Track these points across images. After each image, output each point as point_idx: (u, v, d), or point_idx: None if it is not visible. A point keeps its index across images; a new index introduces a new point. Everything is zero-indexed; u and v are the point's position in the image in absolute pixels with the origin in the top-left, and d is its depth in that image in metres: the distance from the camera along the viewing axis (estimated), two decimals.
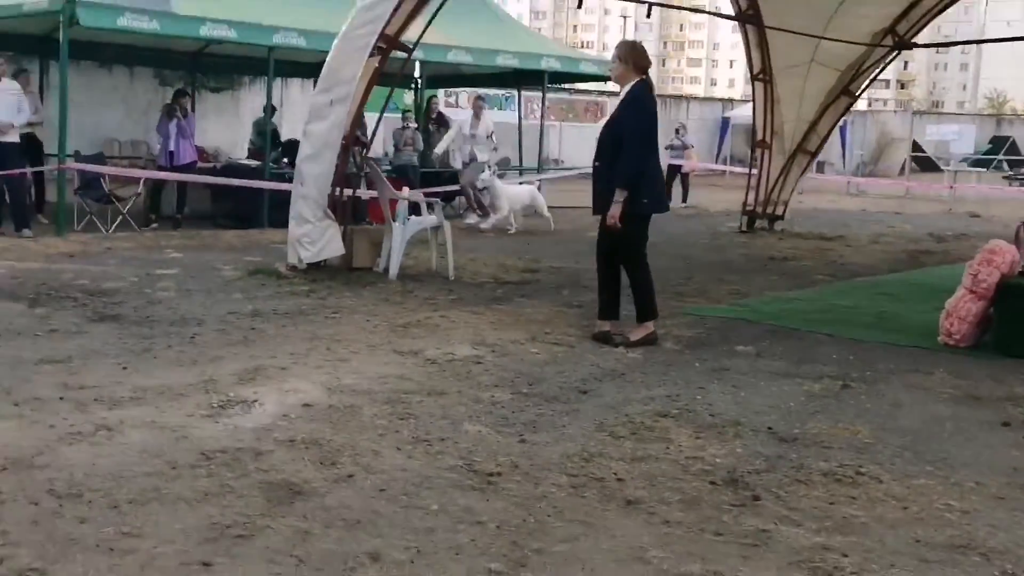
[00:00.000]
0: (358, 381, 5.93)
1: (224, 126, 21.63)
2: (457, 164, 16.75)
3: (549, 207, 18.31)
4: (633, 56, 6.97)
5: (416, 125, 16.62)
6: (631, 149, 6.79)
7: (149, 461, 4.48)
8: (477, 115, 16.24)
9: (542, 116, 19.42)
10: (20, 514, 3.84)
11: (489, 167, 14.91)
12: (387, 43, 9.38)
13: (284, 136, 16.86)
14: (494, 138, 16.32)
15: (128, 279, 9.15)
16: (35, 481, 4.18)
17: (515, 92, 27.41)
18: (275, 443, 4.79)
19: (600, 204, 6.93)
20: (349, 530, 3.84)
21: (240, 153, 18.73)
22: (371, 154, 12.32)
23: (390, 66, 11.17)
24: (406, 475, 4.46)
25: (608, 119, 6.93)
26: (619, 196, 6.74)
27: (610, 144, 6.80)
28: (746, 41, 14.76)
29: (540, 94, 26.01)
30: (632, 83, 6.91)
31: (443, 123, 17.58)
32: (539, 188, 16.83)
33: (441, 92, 21.50)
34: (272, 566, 3.51)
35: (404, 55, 10.03)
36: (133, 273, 9.47)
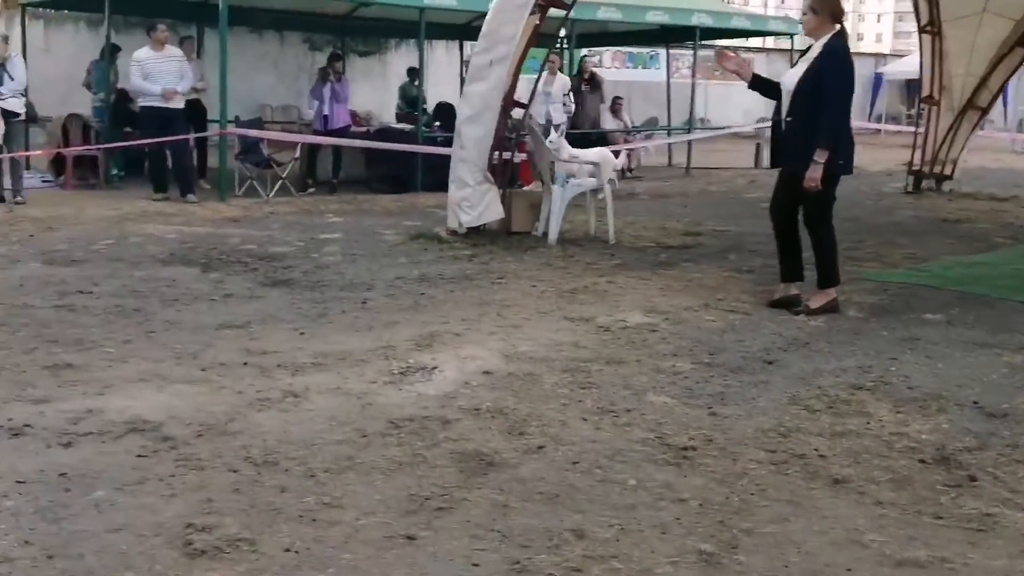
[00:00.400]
0: (534, 348, 5.83)
1: (372, 90, 21.87)
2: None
3: (699, 167, 17.97)
4: (829, 5, 6.61)
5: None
6: (835, 106, 6.47)
7: (339, 429, 4.47)
8: (552, 72, 15.05)
9: (693, 74, 18.89)
10: (222, 481, 3.86)
11: (556, 128, 13.39)
12: (544, 4, 9.19)
13: (429, 99, 16.84)
14: (571, 97, 15.49)
15: (294, 243, 9.26)
16: (231, 448, 4.21)
17: (660, 51, 27.11)
18: (460, 411, 4.73)
19: (793, 162, 6.57)
20: (548, 504, 3.74)
21: (389, 117, 18.88)
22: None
23: (545, 26, 11.04)
24: (596, 447, 4.33)
25: (802, 72, 6.55)
26: (820, 156, 6.40)
27: (806, 99, 6.46)
28: None
29: (686, 52, 25.77)
30: (829, 35, 6.56)
31: (596, 84, 17.26)
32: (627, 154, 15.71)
33: (582, 52, 21.21)
34: (475, 540, 3.44)
35: (562, 13, 9.79)
36: (297, 238, 9.58)
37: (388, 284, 7.60)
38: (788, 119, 6.58)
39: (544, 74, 14.20)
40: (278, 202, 12.42)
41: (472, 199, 9.31)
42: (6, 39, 12.22)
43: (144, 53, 12.38)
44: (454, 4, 13.87)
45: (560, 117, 14.46)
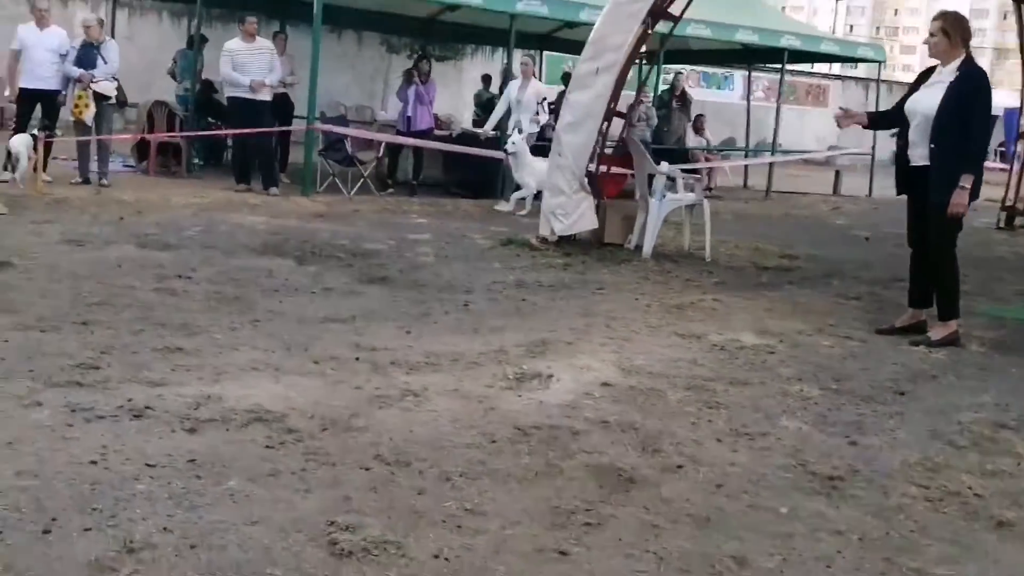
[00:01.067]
0: (649, 363, 5.63)
1: (447, 96, 21.79)
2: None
3: (777, 191, 17.66)
4: (960, 29, 6.35)
5: (649, 100, 16.17)
6: (981, 131, 6.25)
7: (465, 432, 4.30)
8: (526, 76, 13.53)
9: (779, 96, 18.63)
10: (356, 479, 3.70)
11: (520, 131, 12.37)
12: (655, 14, 9.01)
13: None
14: (545, 106, 13.87)
15: (385, 242, 9.13)
16: (359, 444, 4.05)
17: (734, 72, 26.85)
18: (587, 423, 4.54)
19: (938, 188, 6.28)
20: (700, 528, 3.54)
21: (465, 123, 18.79)
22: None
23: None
24: (738, 471, 4.12)
25: (939, 98, 6.28)
26: (966, 181, 6.16)
27: (948, 125, 6.20)
28: (1020, 22, 13.67)
29: (762, 74, 25.47)
30: (959, 59, 6.31)
31: (686, 102, 16.99)
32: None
33: (677, 69, 20.97)
34: (632, 561, 3.25)
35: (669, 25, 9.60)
36: (387, 236, 9.46)
37: (486, 288, 7.44)
38: (932, 146, 6.29)
39: (518, 80, 13.47)
40: (360, 200, 12.32)
41: (567, 207, 9.13)
42: (101, 22, 12.25)
43: (235, 44, 12.35)
44: (544, 11, 13.71)
45: (530, 127, 13.17)
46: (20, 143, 10.50)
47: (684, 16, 14.21)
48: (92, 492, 3.39)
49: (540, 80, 15.82)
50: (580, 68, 9.09)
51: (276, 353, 5.29)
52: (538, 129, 13.53)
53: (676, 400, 5.00)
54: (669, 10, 9.28)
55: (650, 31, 9.08)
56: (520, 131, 12.32)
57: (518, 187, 12.24)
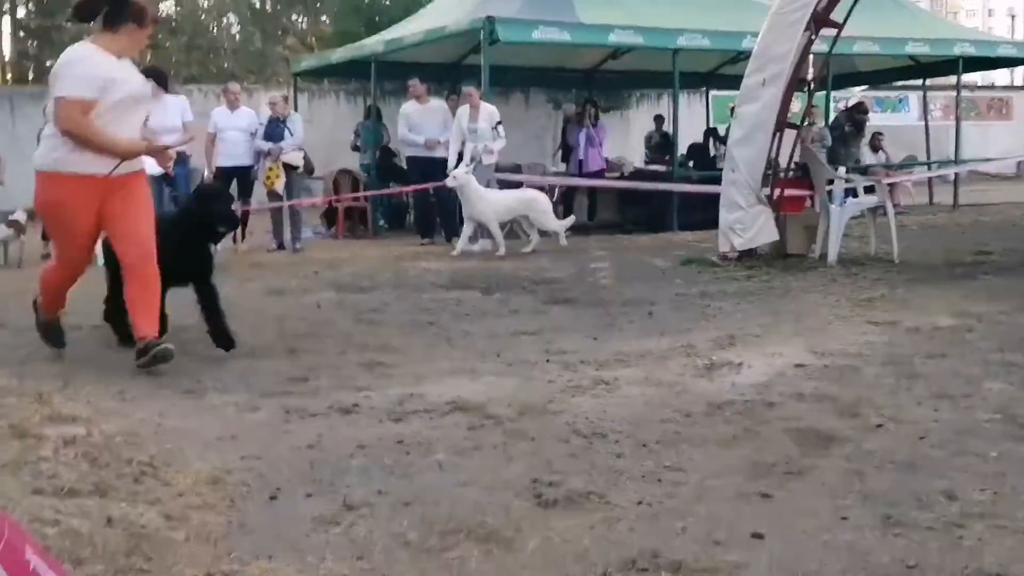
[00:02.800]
0: (843, 346, 5.56)
1: (614, 147, 22.00)
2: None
3: (965, 204, 16.98)
4: None
5: (823, 122, 15.92)
6: None
7: (658, 410, 4.35)
8: (474, 105, 11.95)
9: (957, 108, 17.93)
10: (556, 449, 3.81)
11: (468, 164, 11.35)
12: (817, 21, 8.96)
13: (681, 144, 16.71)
14: (500, 130, 12.04)
15: (566, 271, 9.29)
16: (556, 424, 4.16)
17: (909, 94, 26.10)
18: (782, 396, 4.52)
19: None
20: (906, 472, 3.49)
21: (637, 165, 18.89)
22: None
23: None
24: (940, 426, 4.04)
25: None
26: None
27: None
28: None
29: (939, 93, 24.65)
30: None
31: (860, 122, 16.57)
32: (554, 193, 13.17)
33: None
34: (837, 499, 3.23)
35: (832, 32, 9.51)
36: (568, 267, 9.62)
37: (670, 300, 7.48)
38: None
39: (465, 109, 12.03)
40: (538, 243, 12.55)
41: (744, 221, 9.10)
42: (285, 99, 13.02)
43: (410, 106, 12.89)
44: (707, 44, 13.75)
45: (488, 158, 11.88)
46: None
47: (849, 34, 14.11)
48: (311, 468, 3.61)
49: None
50: (747, 81, 9.09)
51: (471, 360, 5.48)
52: (495, 159, 12.15)
53: (872, 374, 4.93)
54: (831, 17, 9.18)
55: (814, 37, 9.01)
56: (473, 160, 11.45)
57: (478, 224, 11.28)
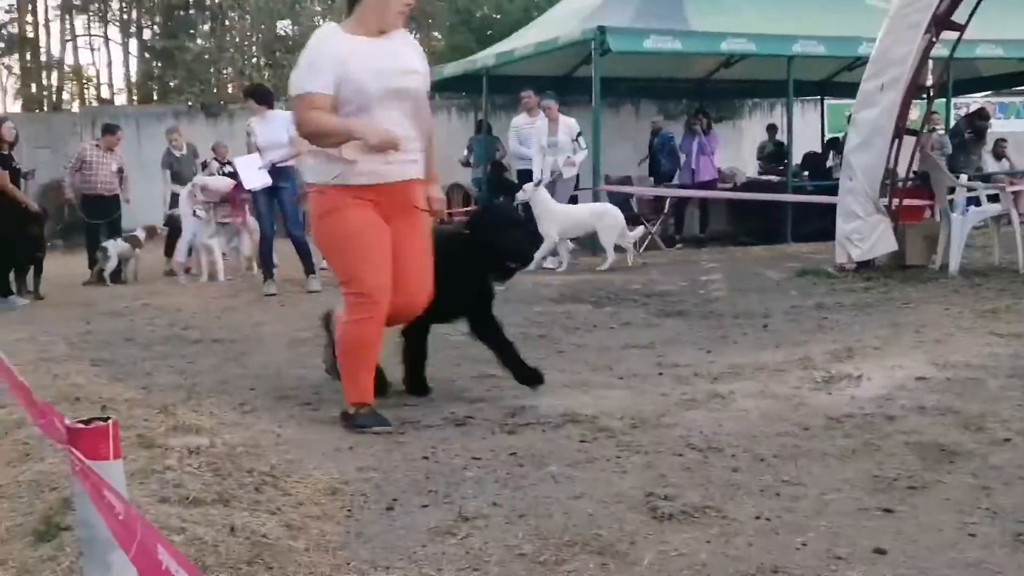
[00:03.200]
0: (965, 358, 5.39)
1: (728, 153, 21.75)
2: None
3: None
4: None
5: (941, 129, 15.47)
6: None
7: (775, 424, 4.28)
8: (553, 118, 11.79)
9: None
10: (670, 462, 3.78)
11: (539, 180, 11.07)
12: (938, 23, 8.72)
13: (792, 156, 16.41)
14: (581, 142, 11.84)
15: (677, 284, 9.22)
16: (670, 437, 4.13)
17: None
18: (903, 410, 4.41)
19: None
20: None
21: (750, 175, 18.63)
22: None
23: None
24: None
25: None
26: None
27: None
28: None
29: None
30: None
31: (982, 129, 16.05)
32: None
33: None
34: (962, 515, 3.14)
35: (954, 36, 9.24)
36: (679, 280, 9.54)
37: (785, 312, 7.36)
38: None
39: (542, 121, 11.89)
40: (648, 255, 12.47)
41: (863, 231, 8.89)
42: None
43: (521, 120, 12.96)
44: (822, 51, 13.50)
45: (569, 171, 11.83)
46: None
47: (971, 37, 13.69)
48: (426, 479, 3.65)
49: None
50: (865, 86, 8.89)
51: (582, 373, 5.48)
52: (575, 171, 12.07)
53: (997, 387, 4.77)
54: (953, 19, 8.92)
55: (935, 40, 8.77)
56: (553, 174, 11.38)
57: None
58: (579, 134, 11.81)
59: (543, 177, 11.21)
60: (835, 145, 17.22)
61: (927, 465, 3.64)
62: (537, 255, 10.60)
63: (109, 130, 12.06)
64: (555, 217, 10.71)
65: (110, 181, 11.65)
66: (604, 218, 10.87)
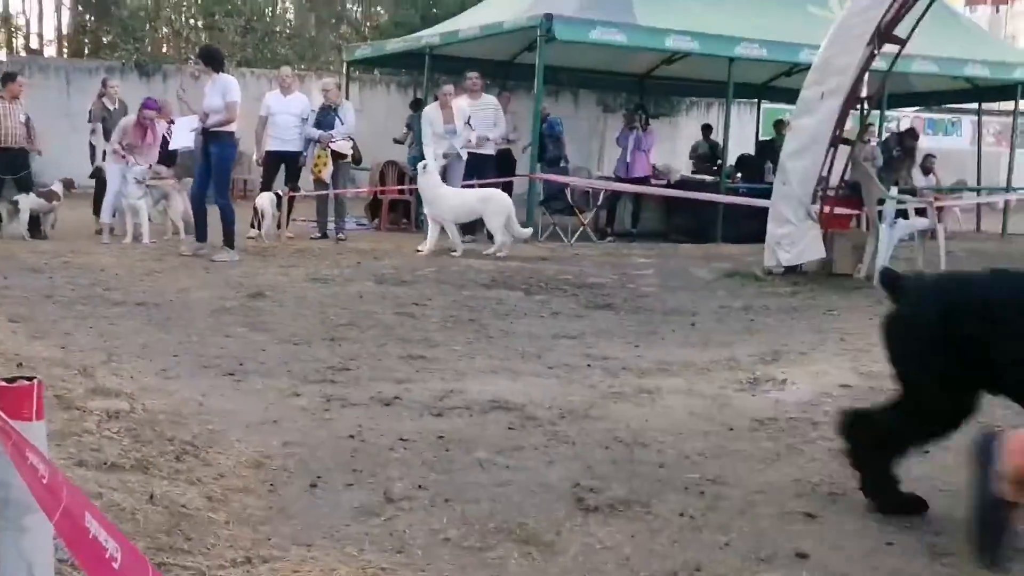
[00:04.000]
0: (888, 369, 5.46)
1: (661, 153, 21.89)
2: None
3: (1017, 233, 16.71)
4: None
5: (875, 141, 15.73)
6: None
7: (701, 423, 4.31)
8: (445, 105, 11.77)
9: (1013, 135, 17.75)
10: (597, 455, 3.79)
11: (428, 160, 10.94)
12: (881, 36, 8.84)
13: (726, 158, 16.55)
14: (471, 124, 11.88)
15: (608, 277, 9.25)
16: (597, 429, 4.14)
17: (962, 117, 25.82)
18: (827, 416, 4.44)
19: None
20: (954, 500, 3.41)
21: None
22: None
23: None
24: None
25: None
26: None
27: None
28: None
29: (992, 118, 24.35)
30: None
31: (910, 146, 16.31)
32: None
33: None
34: (881, 524, 3.19)
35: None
36: (610, 272, 9.57)
37: (713, 312, 7.43)
38: None
39: (435, 110, 11.78)
40: (581, 246, 12.49)
41: (793, 236, 9.00)
42: (339, 86, 13.05)
43: (462, 102, 12.86)
44: (763, 54, 13.62)
45: (488, 147, 12.24)
46: (265, 200, 11.28)
47: (908, 52, 13.94)
48: (352, 458, 3.61)
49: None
50: (805, 93, 8.98)
51: (511, 360, 5.46)
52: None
53: None
54: (895, 33, 9.05)
55: (877, 52, 8.90)
56: (446, 157, 11.27)
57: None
58: (468, 118, 11.74)
59: (431, 161, 11.05)
60: (769, 149, 17.43)
61: (849, 473, 3.68)
62: (430, 235, 10.66)
63: (9, 78, 11.54)
64: (444, 200, 10.59)
65: (16, 132, 11.18)
66: (490, 203, 10.72)
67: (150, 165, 10.95)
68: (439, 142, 11.59)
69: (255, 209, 11.51)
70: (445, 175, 11.15)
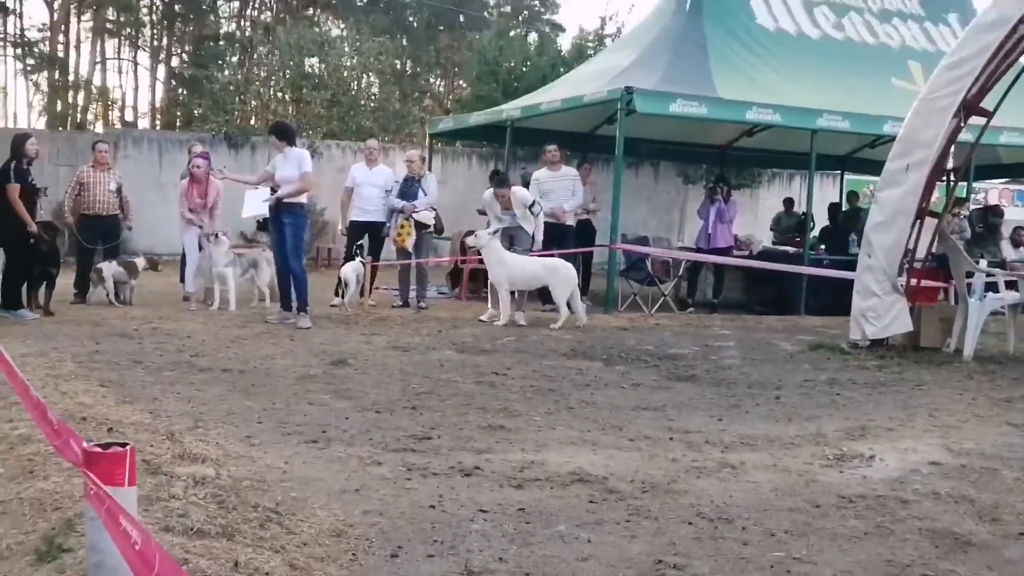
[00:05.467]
0: (980, 447, 5.33)
1: (745, 221, 21.79)
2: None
3: None
4: None
5: (966, 213, 15.46)
6: None
7: (787, 498, 4.23)
8: (503, 198, 11.30)
9: None
10: (680, 530, 3.72)
11: (495, 230, 10.84)
12: (967, 108, 8.74)
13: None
14: (534, 209, 11.41)
15: (689, 348, 9.17)
16: (679, 504, 4.08)
17: None
18: (916, 494, 4.35)
19: None
20: None
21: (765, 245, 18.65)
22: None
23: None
24: None
25: None
26: None
27: None
28: None
29: None
30: None
31: (992, 228, 15.95)
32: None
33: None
34: None
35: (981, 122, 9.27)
36: (691, 343, 9.50)
37: (797, 385, 7.31)
38: None
39: (491, 196, 11.45)
40: (660, 317, 12.43)
41: (878, 309, 8.85)
42: (423, 159, 13.26)
43: (542, 173, 12.98)
44: (846, 126, 13.53)
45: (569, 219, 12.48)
46: (350, 270, 11.46)
47: (996, 124, 13.74)
48: (432, 528, 3.61)
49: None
50: (890, 165, 8.89)
51: (592, 432, 5.43)
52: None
53: (1012, 478, 4.70)
54: (982, 105, 8.95)
55: (963, 125, 8.79)
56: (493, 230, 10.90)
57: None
58: (533, 202, 11.38)
59: (498, 227, 11.06)
60: (851, 219, 17.19)
61: (941, 553, 3.58)
62: (490, 302, 10.76)
63: (93, 147, 11.89)
64: (506, 268, 10.48)
65: (107, 201, 11.49)
66: (556, 274, 10.62)
67: (222, 232, 11.14)
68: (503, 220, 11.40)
69: (339, 278, 11.70)
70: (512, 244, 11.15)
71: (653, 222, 22.21)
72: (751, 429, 5.64)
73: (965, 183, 17.03)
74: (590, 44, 25.98)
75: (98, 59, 33.86)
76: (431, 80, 34.71)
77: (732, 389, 7.08)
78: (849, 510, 4.08)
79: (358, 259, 11.73)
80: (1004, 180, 24.39)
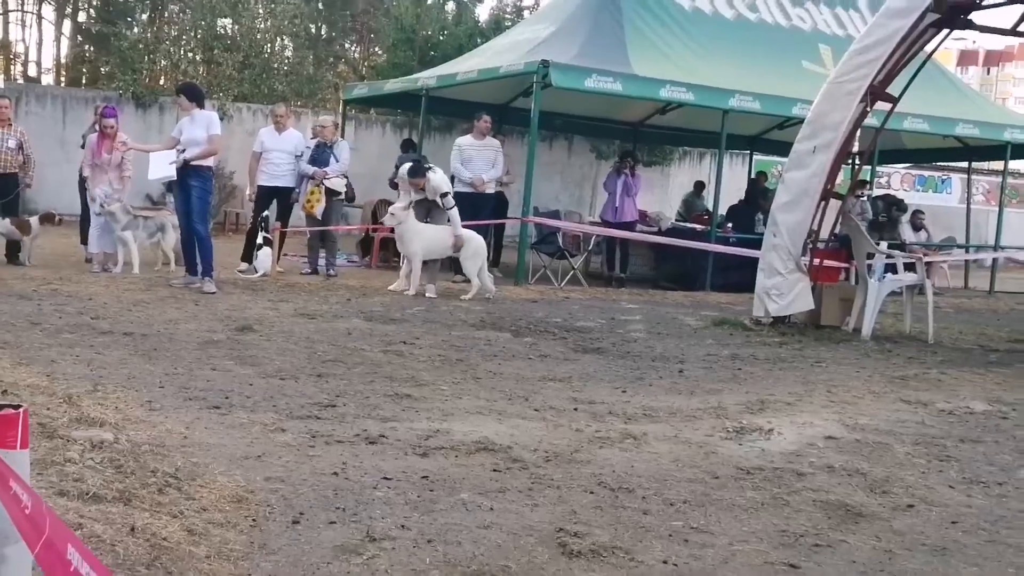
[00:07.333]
0: (874, 422, 5.49)
1: (652, 201, 22.01)
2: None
3: (1003, 292, 16.80)
4: None
5: (869, 193, 15.86)
6: None
7: (686, 470, 4.30)
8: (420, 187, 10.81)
9: (1002, 193, 17.93)
10: (581, 499, 3.77)
11: (409, 203, 10.63)
12: (873, 93, 8.94)
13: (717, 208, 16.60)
14: (448, 201, 10.76)
15: (596, 321, 9.26)
16: (582, 473, 4.12)
17: (952, 176, 26.05)
18: (811, 467, 4.46)
19: None
20: (936, 555, 3.42)
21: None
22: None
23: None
24: (974, 512, 3.96)
25: None
26: None
27: None
28: None
29: (982, 177, 24.64)
30: None
31: (894, 221, 16.41)
32: None
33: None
34: None
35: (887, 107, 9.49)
36: (598, 317, 9.59)
37: (700, 359, 7.43)
38: None
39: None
40: (570, 290, 12.52)
41: (782, 287, 9.04)
42: (336, 125, 13.10)
43: (466, 140, 12.91)
44: (757, 107, 13.73)
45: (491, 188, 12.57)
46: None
47: (900, 110, 14.07)
48: (335, 495, 3.59)
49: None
50: (797, 147, 9.06)
51: (498, 402, 5.45)
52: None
53: (904, 452, 4.86)
54: (888, 91, 9.16)
55: (869, 110, 9.00)
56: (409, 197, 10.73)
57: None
58: (444, 193, 10.79)
59: (409, 199, 10.89)
60: (757, 199, 17.48)
61: (833, 524, 3.68)
62: (402, 273, 10.72)
63: None
64: (420, 237, 10.43)
65: (4, 158, 11.09)
66: (468, 245, 10.56)
67: (114, 199, 10.75)
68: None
69: (247, 243, 11.52)
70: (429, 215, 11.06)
71: (565, 196, 22.31)
72: (654, 401, 5.73)
73: (869, 167, 17.46)
74: (508, 16, 25.94)
75: (0, 11, 32.65)
76: (346, 46, 34.22)
77: (637, 362, 7.17)
78: (747, 481, 4.17)
79: (261, 234, 11.50)
80: (907, 165, 25.05)
